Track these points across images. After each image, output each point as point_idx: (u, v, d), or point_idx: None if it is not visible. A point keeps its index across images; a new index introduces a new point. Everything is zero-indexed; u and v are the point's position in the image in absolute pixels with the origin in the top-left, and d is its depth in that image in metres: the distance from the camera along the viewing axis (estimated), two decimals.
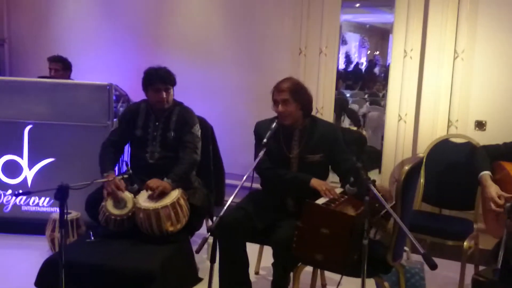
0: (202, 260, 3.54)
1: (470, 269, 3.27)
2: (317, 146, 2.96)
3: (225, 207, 2.37)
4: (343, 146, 3.01)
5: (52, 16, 6.00)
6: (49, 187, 2.45)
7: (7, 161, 4.05)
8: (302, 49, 4.69)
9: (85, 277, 2.88)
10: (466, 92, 4.16)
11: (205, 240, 2.23)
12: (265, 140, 2.73)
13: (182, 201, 3.18)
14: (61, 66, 4.90)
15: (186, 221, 3.21)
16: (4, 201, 4.06)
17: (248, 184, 2.68)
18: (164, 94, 3.33)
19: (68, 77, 4.94)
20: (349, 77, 12.00)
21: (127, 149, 3.59)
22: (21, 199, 4.07)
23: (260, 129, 3.03)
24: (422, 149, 3.98)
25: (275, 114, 2.97)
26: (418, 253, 2.05)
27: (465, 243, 3.12)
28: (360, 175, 2.37)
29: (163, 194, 3.15)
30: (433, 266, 1.95)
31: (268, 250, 2.91)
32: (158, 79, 3.31)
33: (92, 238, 3.21)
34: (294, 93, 2.89)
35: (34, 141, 4.04)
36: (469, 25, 4.11)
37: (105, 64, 5.63)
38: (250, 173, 2.57)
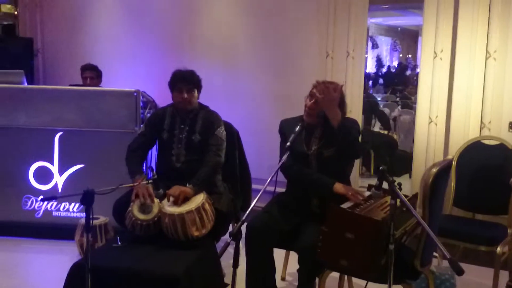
0: (228, 265, 3.52)
1: (504, 276, 3.15)
2: (333, 140, 2.90)
3: (247, 212, 2.35)
4: (359, 141, 2.96)
5: (82, 26, 6.14)
6: (79, 192, 2.48)
7: (38, 167, 4.14)
8: (329, 52, 4.65)
9: (111, 281, 2.89)
10: (499, 92, 4.03)
11: (227, 244, 2.21)
12: (288, 144, 2.71)
13: (207, 206, 3.17)
14: (96, 74, 5.02)
15: (211, 226, 3.19)
16: (36, 206, 4.15)
17: (272, 189, 2.66)
18: (186, 95, 3.34)
19: (99, 85, 5.03)
20: (380, 81, 11.88)
21: (152, 154, 3.62)
22: (52, 205, 4.15)
23: (285, 127, 3.04)
24: (454, 152, 3.87)
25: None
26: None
27: (498, 249, 3.01)
28: (386, 178, 2.31)
29: (186, 199, 3.15)
30: (460, 272, 1.88)
31: (294, 256, 2.87)
32: (181, 79, 3.35)
33: (119, 243, 3.24)
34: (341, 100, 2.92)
35: (64, 148, 4.12)
36: (501, 25, 3.99)
37: (133, 71, 5.72)
38: (274, 176, 2.55)
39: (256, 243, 2.76)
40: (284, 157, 2.68)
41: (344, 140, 2.81)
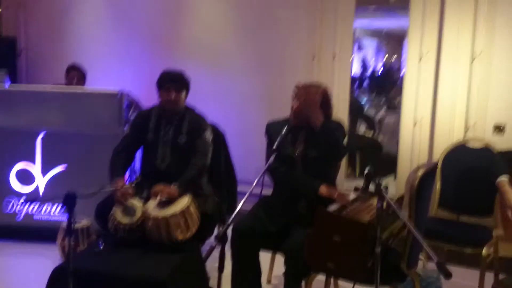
0: (213, 268, 3.48)
1: (489, 278, 3.15)
2: (317, 143, 2.90)
3: (233, 215, 2.32)
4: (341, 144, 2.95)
5: (67, 25, 6.05)
6: (61, 195, 2.43)
7: (20, 169, 4.06)
8: (315, 54, 4.63)
9: (93, 286, 2.85)
10: (484, 95, 4.05)
11: (212, 248, 2.18)
12: (274, 147, 2.69)
13: (191, 209, 3.13)
14: (82, 74, 4.94)
15: (196, 229, 3.16)
16: (17, 210, 4.08)
17: (258, 191, 2.63)
18: (174, 95, 3.30)
19: (83, 85, 4.97)
20: (365, 83, 11.91)
21: (137, 156, 3.57)
22: (33, 208, 4.07)
23: (271, 129, 3.03)
24: (438, 154, 3.88)
25: None
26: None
27: (483, 251, 3.02)
28: (373, 180, 2.30)
29: (171, 200, 3.11)
30: (448, 275, 1.87)
31: (280, 259, 2.85)
32: (169, 79, 3.31)
33: (101, 246, 3.19)
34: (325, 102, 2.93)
35: (47, 149, 4.06)
36: (487, 26, 4.01)
37: (119, 72, 5.65)
38: (260, 178, 2.52)
39: (241, 247, 2.73)
40: (271, 159, 2.66)
41: (325, 142, 2.82)
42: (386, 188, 2.24)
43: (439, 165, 3.53)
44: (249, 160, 4.42)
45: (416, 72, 4.24)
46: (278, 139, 2.75)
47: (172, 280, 2.86)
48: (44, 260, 3.65)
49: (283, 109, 3.14)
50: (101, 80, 5.37)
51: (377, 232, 2.20)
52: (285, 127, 2.83)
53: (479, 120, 4.07)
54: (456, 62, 4.11)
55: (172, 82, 3.31)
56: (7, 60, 5.97)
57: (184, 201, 3.13)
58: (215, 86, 5.21)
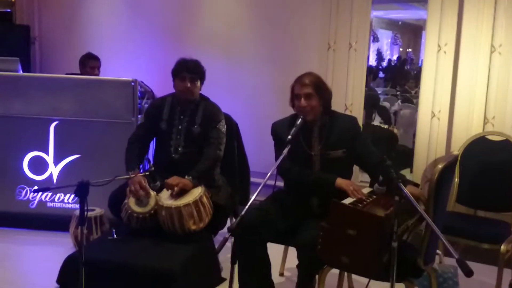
0: (226, 259, 3.46)
1: (507, 274, 3.09)
2: (338, 141, 2.85)
3: (246, 206, 2.28)
4: (365, 139, 2.90)
5: (81, 14, 6.03)
6: (74, 183, 2.41)
7: (33, 157, 4.06)
8: (331, 44, 4.56)
9: (105, 275, 2.84)
10: (504, 87, 3.96)
11: (225, 240, 2.14)
12: (289, 137, 2.62)
13: (205, 200, 3.11)
14: (99, 64, 4.90)
15: (209, 220, 3.13)
16: (30, 197, 4.08)
17: (272, 182, 2.59)
18: (189, 84, 3.27)
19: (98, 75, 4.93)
20: (380, 74, 11.82)
21: (151, 145, 3.55)
22: (46, 196, 4.08)
23: (278, 129, 2.95)
24: (456, 148, 3.80)
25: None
26: (452, 257, 1.91)
27: (502, 247, 2.95)
28: (390, 174, 2.25)
29: (184, 191, 3.08)
30: (469, 273, 1.81)
31: (293, 251, 2.81)
32: (185, 68, 3.28)
33: (114, 235, 3.18)
34: (317, 88, 2.81)
35: (60, 138, 4.04)
36: (507, 18, 3.90)
37: (132, 61, 5.63)
38: (274, 171, 2.47)
39: (246, 239, 2.67)
40: (285, 150, 2.59)
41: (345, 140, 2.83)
42: (405, 181, 2.19)
43: (459, 158, 3.46)
44: (263, 151, 4.37)
45: (434, 64, 4.15)
46: (293, 129, 2.69)
47: (184, 271, 2.84)
48: (56, 248, 3.65)
49: None
50: (115, 69, 5.35)
51: (394, 226, 2.15)
52: (300, 118, 2.76)
53: (498, 113, 3.98)
54: (475, 54, 4.01)
55: (188, 71, 3.28)
56: (20, 48, 5.96)
57: (197, 192, 3.10)
58: (228, 77, 5.16)
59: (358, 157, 2.89)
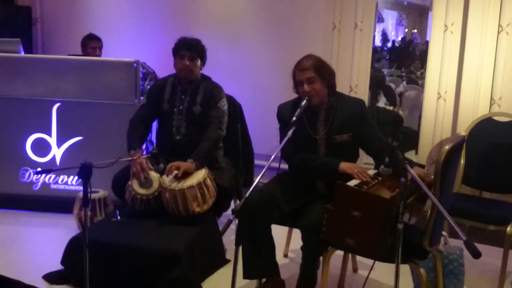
0: (230, 241, 3.46)
1: None
2: (344, 125, 2.79)
3: (250, 188, 2.25)
4: (372, 123, 2.83)
5: None
6: (77, 165, 2.39)
7: (36, 139, 4.04)
8: (336, 24, 4.49)
9: (109, 256, 2.85)
10: (511, 68, 3.90)
11: (229, 221, 2.12)
12: (294, 118, 2.58)
13: (208, 182, 3.09)
14: (100, 44, 4.85)
15: (212, 202, 3.13)
16: (33, 179, 4.07)
17: (276, 165, 2.56)
18: (188, 62, 3.23)
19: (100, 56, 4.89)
20: (385, 55, 11.70)
21: (154, 127, 3.52)
22: (50, 178, 4.07)
23: (283, 112, 2.88)
24: (462, 129, 3.76)
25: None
26: (457, 238, 1.89)
27: (508, 228, 2.93)
28: (396, 155, 2.21)
29: (188, 174, 3.06)
30: (477, 255, 1.78)
31: (297, 233, 2.80)
32: (184, 46, 3.25)
33: (119, 217, 3.18)
34: (318, 70, 2.73)
35: (62, 120, 4.02)
36: None
37: (134, 42, 5.57)
38: (278, 153, 2.44)
39: (250, 221, 2.65)
40: (289, 132, 2.56)
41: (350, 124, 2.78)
42: (411, 162, 2.16)
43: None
44: (267, 133, 4.34)
45: (440, 44, 4.09)
46: (298, 110, 2.65)
47: (189, 253, 2.84)
48: (60, 230, 3.66)
49: None
50: (117, 50, 5.30)
51: (399, 208, 2.13)
52: (305, 99, 2.71)
53: (505, 94, 3.93)
54: (483, 34, 3.94)
55: (187, 49, 3.24)
56: (22, 30, 5.91)
57: (201, 174, 3.09)
58: (232, 58, 5.10)
59: (364, 141, 2.84)
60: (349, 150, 2.85)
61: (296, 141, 2.75)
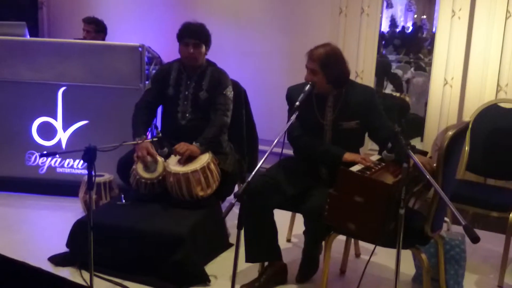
0: (233, 225, 3.48)
1: None
2: (352, 112, 2.78)
3: (253, 173, 2.26)
4: (381, 112, 2.81)
5: None
6: (82, 149, 2.41)
7: (42, 123, 4.07)
8: (342, 9, 4.45)
9: (114, 239, 2.88)
10: None
11: (231, 205, 2.14)
12: (297, 103, 2.58)
13: (212, 166, 3.11)
14: (94, 28, 4.85)
15: (216, 186, 3.14)
16: (39, 162, 4.10)
17: (279, 150, 2.56)
18: (192, 49, 3.21)
19: (102, 40, 4.88)
20: (393, 41, 11.59)
21: (159, 112, 3.53)
22: (56, 161, 4.09)
23: (292, 94, 2.85)
24: (468, 115, 3.74)
25: None
26: (460, 224, 1.89)
27: (510, 215, 2.92)
28: (399, 140, 2.21)
29: (192, 158, 3.07)
30: (475, 239, 1.80)
31: (300, 218, 2.81)
32: (188, 33, 3.22)
33: (123, 201, 3.20)
34: (324, 65, 2.69)
35: (68, 103, 4.04)
36: None
37: (140, 26, 5.56)
38: (281, 138, 2.44)
39: (253, 205, 2.66)
40: (292, 117, 2.56)
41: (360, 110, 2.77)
42: (414, 148, 2.16)
43: (469, 126, 3.40)
44: (271, 119, 4.35)
45: (447, 30, 4.04)
46: (301, 95, 2.64)
47: (192, 236, 2.87)
48: (66, 213, 3.69)
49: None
50: (122, 35, 5.29)
51: (401, 193, 2.13)
52: (309, 84, 2.71)
53: (511, 80, 3.89)
54: (490, 20, 3.90)
55: (191, 36, 3.22)
56: (27, 13, 5.91)
57: (205, 158, 3.10)
58: (237, 43, 5.08)
59: (372, 130, 2.83)
60: (355, 137, 2.85)
61: (303, 124, 2.76)
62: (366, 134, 2.94)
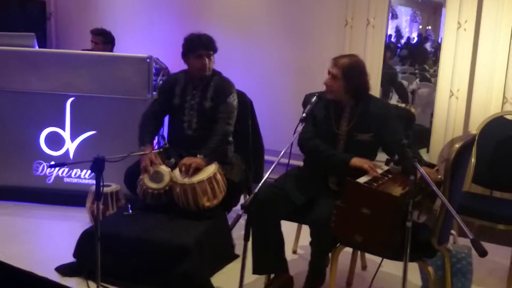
0: (239, 236, 3.48)
1: None
2: (367, 125, 2.79)
3: (260, 184, 2.27)
4: (395, 128, 2.80)
5: None
6: (90, 159, 2.43)
7: (50, 133, 4.10)
8: (348, 20, 4.48)
9: (121, 250, 2.88)
10: None
11: (238, 217, 2.15)
12: (304, 114, 2.60)
13: (218, 176, 3.12)
14: (102, 39, 4.89)
15: (222, 197, 3.15)
16: (47, 172, 4.12)
17: (286, 161, 2.57)
18: (207, 61, 3.25)
19: (110, 51, 4.92)
20: (399, 52, 11.63)
21: (166, 122, 3.55)
22: (63, 171, 4.12)
23: (307, 100, 2.89)
24: (474, 127, 3.74)
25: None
26: (466, 237, 1.90)
27: None
28: (406, 153, 2.22)
29: (198, 169, 3.09)
30: (483, 253, 1.79)
31: (306, 229, 2.81)
32: (200, 45, 3.25)
33: (130, 211, 3.21)
34: (346, 74, 2.73)
35: (76, 114, 4.07)
36: None
37: (148, 37, 5.61)
38: (288, 148, 2.46)
39: (259, 216, 2.67)
40: (299, 128, 2.58)
41: (376, 124, 2.78)
42: (421, 160, 2.16)
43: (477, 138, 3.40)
44: (278, 130, 4.37)
45: (453, 41, 4.06)
46: (308, 106, 2.67)
47: (198, 246, 2.87)
48: (73, 223, 3.70)
49: (313, 78, 3.05)
50: (130, 46, 5.34)
51: (409, 206, 2.13)
52: (314, 98, 2.73)
53: None
54: (496, 32, 3.91)
55: (204, 47, 3.24)
56: (36, 24, 5.97)
57: (211, 169, 3.11)
58: (243, 54, 5.12)
59: (385, 144, 2.83)
60: (368, 149, 2.84)
61: (318, 132, 2.80)
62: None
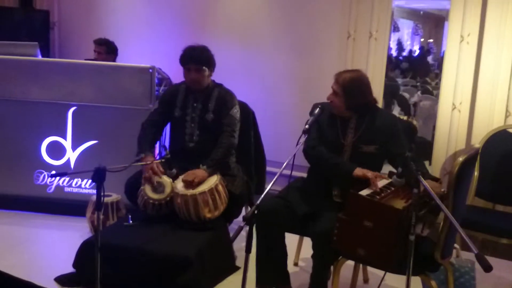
0: (240, 248, 3.46)
1: None
2: (373, 137, 2.78)
3: (262, 195, 2.26)
4: (402, 141, 2.80)
5: (100, 0, 6.03)
6: (91, 169, 2.42)
7: (51, 142, 4.09)
8: (351, 33, 4.49)
9: (121, 260, 2.86)
10: None
11: (240, 228, 2.12)
12: (306, 126, 2.59)
13: (220, 188, 3.10)
14: (105, 49, 4.91)
15: (224, 208, 3.13)
16: (48, 182, 4.11)
17: (288, 172, 2.56)
18: (194, 75, 3.23)
19: (112, 61, 4.94)
20: (400, 65, 11.64)
21: (165, 132, 3.54)
22: (64, 181, 4.10)
23: (314, 110, 2.89)
24: (477, 141, 3.73)
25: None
26: (469, 251, 1.87)
27: None
28: (409, 166, 2.20)
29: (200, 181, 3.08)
30: (488, 268, 1.77)
31: (308, 241, 2.79)
32: (189, 58, 3.23)
33: (131, 221, 3.19)
34: (346, 91, 2.73)
35: (78, 123, 4.06)
36: None
37: (150, 47, 5.62)
38: (290, 160, 2.44)
39: (264, 228, 2.66)
40: (301, 140, 2.57)
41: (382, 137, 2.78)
42: (425, 174, 2.15)
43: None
44: (280, 141, 4.36)
45: (456, 54, 4.07)
46: (311, 118, 2.66)
47: (199, 258, 2.85)
48: (73, 233, 3.68)
49: (316, 90, 3.05)
50: (133, 56, 5.35)
51: (411, 219, 2.11)
52: (317, 109, 2.72)
53: None
54: (499, 45, 3.92)
55: (192, 61, 3.22)
56: (40, 33, 5.99)
57: (213, 180, 3.10)
58: (246, 65, 5.12)
59: (390, 156, 2.82)
60: (373, 161, 2.82)
61: (324, 141, 2.80)
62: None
